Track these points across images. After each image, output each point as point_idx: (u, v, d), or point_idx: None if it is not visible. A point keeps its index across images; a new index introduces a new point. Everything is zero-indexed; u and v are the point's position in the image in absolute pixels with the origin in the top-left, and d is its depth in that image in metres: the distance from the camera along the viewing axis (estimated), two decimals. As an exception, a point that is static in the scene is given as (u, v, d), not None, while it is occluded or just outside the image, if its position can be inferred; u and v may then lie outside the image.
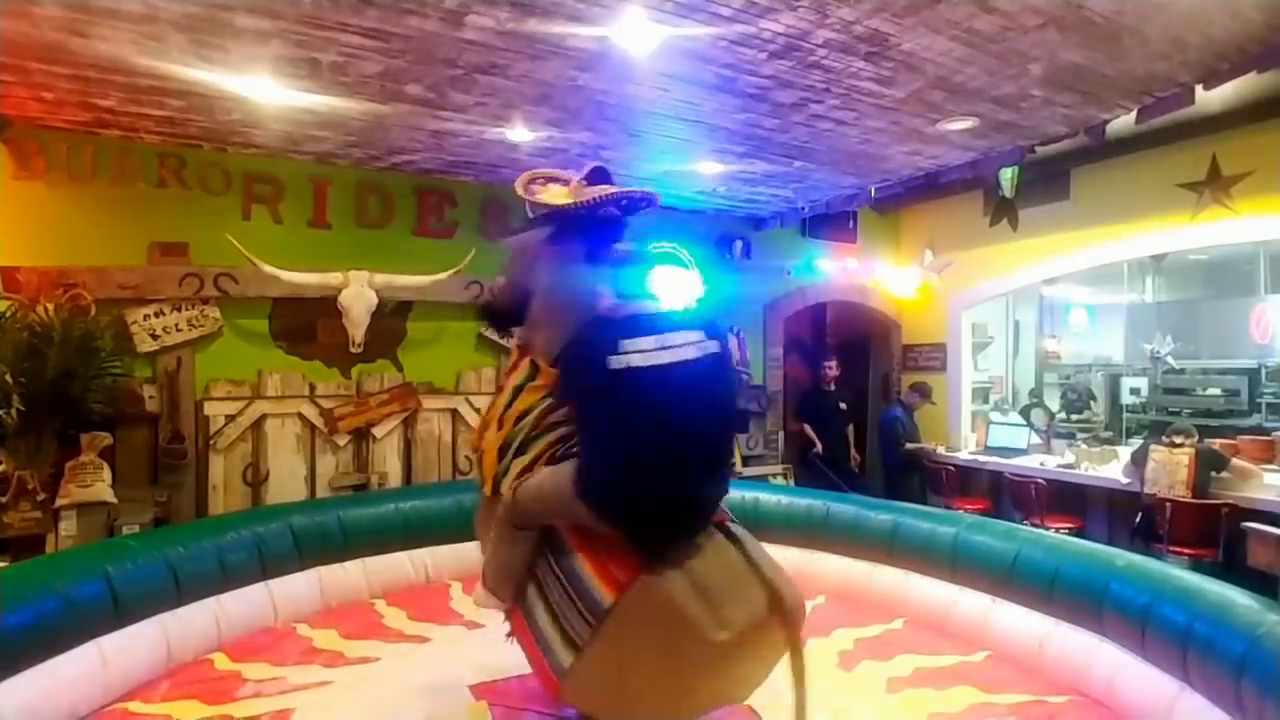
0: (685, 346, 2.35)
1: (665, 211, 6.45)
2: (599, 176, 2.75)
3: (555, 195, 2.75)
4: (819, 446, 7.07)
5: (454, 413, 5.61)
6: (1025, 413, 7.31)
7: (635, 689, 2.37)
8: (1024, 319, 8.70)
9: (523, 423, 2.61)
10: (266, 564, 3.99)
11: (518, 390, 2.68)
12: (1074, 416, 8.42)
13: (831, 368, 7.30)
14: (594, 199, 2.61)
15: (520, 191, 2.85)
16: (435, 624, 4.08)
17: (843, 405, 7.36)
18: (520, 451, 2.59)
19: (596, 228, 2.74)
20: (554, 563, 2.49)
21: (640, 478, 2.22)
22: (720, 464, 2.50)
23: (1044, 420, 7.20)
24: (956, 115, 4.18)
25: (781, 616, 2.38)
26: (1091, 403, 8.58)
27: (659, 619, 2.27)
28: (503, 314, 3.09)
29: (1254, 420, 7.12)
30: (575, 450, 2.45)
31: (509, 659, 3.57)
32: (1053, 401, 8.92)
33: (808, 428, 7.18)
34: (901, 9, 2.99)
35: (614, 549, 2.37)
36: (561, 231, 2.75)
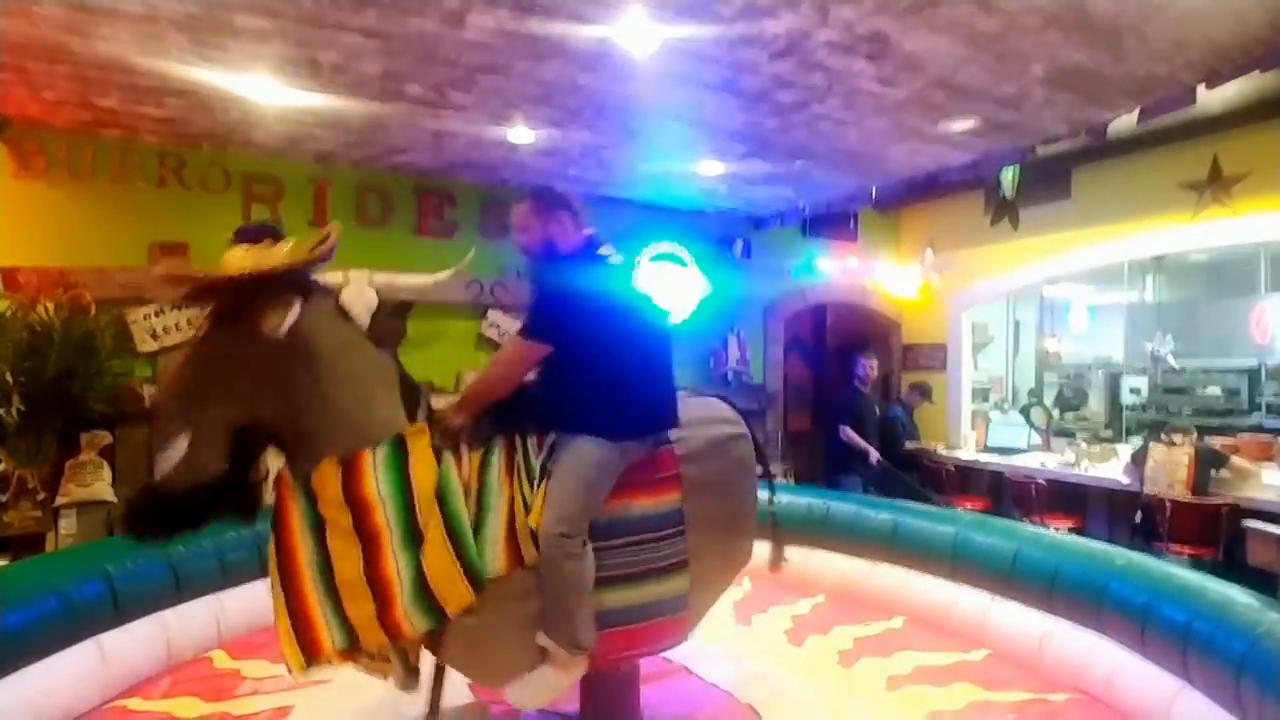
0: None
1: (665, 211, 6.47)
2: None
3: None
4: (874, 454, 6.30)
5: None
6: (1025, 411, 7.31)
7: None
8: (1024, 319, 8.71)
9: (455, 498, 2.20)
10: (266, 562, 3.98)
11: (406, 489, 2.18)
12: (1068, 414, 8.45)
13: (872, 366, 6.54)
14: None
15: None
16: (435, 623, 4.07)
17: (877, 408, 6.76)
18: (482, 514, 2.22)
19: None
20: None
21: None
22: None
23: (1043, 419, 7.20)
24: (957, 115, 4.18)
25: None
26: (1087, 401, 8.59)
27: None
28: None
29: (1254, 419, 7.13)
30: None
31: (509, 658, 3.57)
32: (1051, 400, 8.95)
33: (851, 433, 6.36)
34: (903, 9, 2.99)
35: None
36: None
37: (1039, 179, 6.35)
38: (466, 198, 5.71)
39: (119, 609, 3.22)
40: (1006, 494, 6.07)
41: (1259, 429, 6.17)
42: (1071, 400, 8.83)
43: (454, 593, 2.10)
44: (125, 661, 3.22)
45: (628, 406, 2.37)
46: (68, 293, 4.26)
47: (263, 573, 3.97)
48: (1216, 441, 5.19)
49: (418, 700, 3.20)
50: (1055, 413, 8.48)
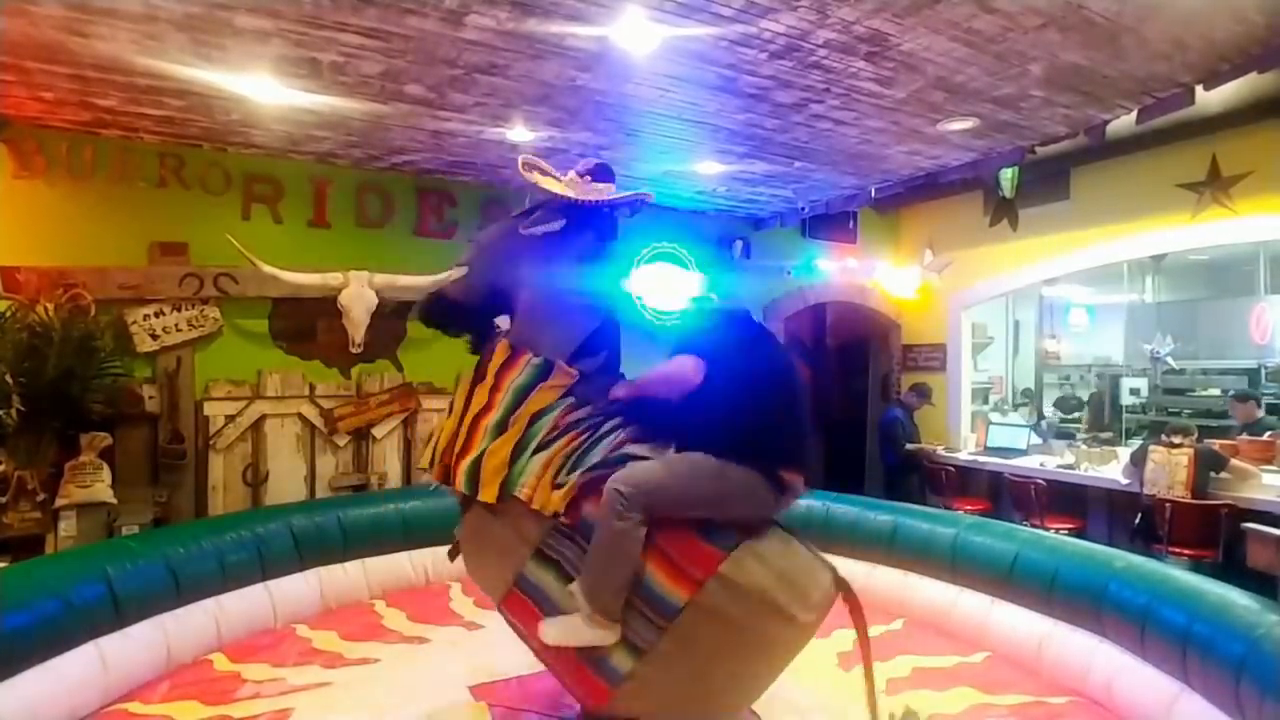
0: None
1: (665, 211, 6.46)
2: (603, 174, 2.73)
3: (555, 186, 2.72)
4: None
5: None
6: (1018, 407, 7.36)
7: (717, 683, 2.41)
8: (1024, 319, 8.70)
9: (539, 423, 2.60)
10: (266, 565, 3.99)
11: (523, 390, 2.65)
12: (1064, 417, 8.46)
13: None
14: (605, 199, 2.63)
15: (525, 174, 2.76)
16: (435, 625, 4.08)
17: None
18: (540, 450, 2.57)
19: (599, 225, 2.73)
20: None
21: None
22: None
23: (1032, 416, 7.22)
24: (956, 115, 4.18)
25: (847, 593, 2.54)
26: (1085, 405, 8.57)
27: (749, 608, 2.36)
28: (461, 312, 2.97)
29: (1270, 421, 7.11)
30: (593, 447, 2.56)
31: (508, 660, 3.58)
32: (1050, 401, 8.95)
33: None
34: (902, 9, 2.99)
35: (679, 549, 2.40)
36: (567, 227, 2.71)
37: (1038, 179, 6.35)
38: (466, 198, 5.70)
39: (119, 611, 3.22)
40: (1006, 495, 6.06)
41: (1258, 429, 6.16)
42: (1069, 401, 8.82)
43: (489, 485, 2.56)
44: (125, 664, 3.22)
45: (756, 435, 2.51)
46: (68, 293, 4.25)
47: (263, 575, 4.00)
48: (1216, 443, 5.18)
49: (418, 701, 3.20)
50: (1054, 415, 8.50)
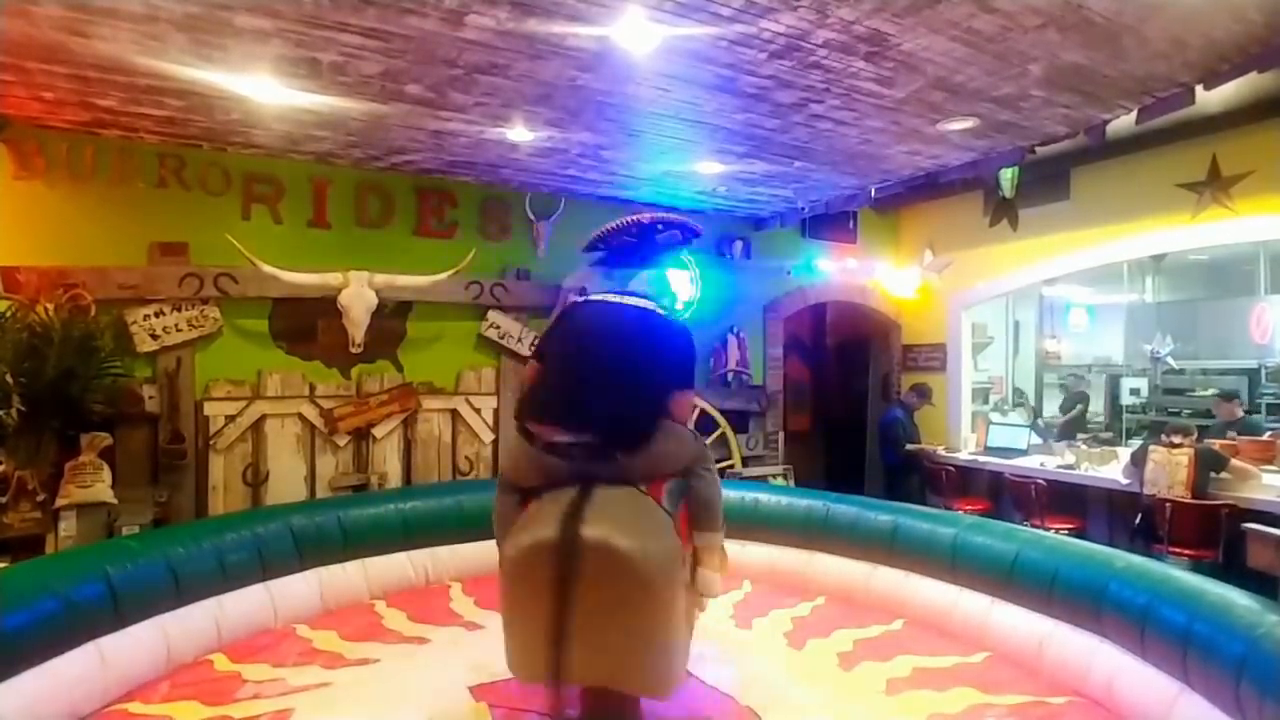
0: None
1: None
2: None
3: None
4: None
5: (454, 413, 5.61)
6: (1017, 406, 7.36)
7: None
8: (1024, 319, 8.71)
9: None
10: (266, 565, 3.99)
11: None
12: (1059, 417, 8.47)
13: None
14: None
15: None
16: (435, 625, 4.08)
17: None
18: None
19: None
20: None
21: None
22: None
23: (1026, 416, 7.21)
24: (956, 115, 4.18)
25: (558, 549, 2.33)
26: (1079, 405, 8.55)
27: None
28: None
29: (1254, 420, 7.12)
30: None
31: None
32: (1051, 401, 8.93)
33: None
34: (901, 9, 2.99)
35: None
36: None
37: (1038, 179, 6.35)
38: (466, 198, 5.70)
39: (119, 611, 3.22)
40: (1006, 496, 6.07)
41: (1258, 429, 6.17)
42: (1066, 402, 8.79)
43: None
44: (125, 664, 3.21)
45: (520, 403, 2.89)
46: (68, 293, 4.25)
47: (263, 575, 3.99)
48: (1216, 443, 5.19)
49: (418, 702, 3.20)
50: (1058, 415, 8.49)
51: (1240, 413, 6.28)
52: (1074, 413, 8.33)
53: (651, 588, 2.34)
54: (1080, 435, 7.27)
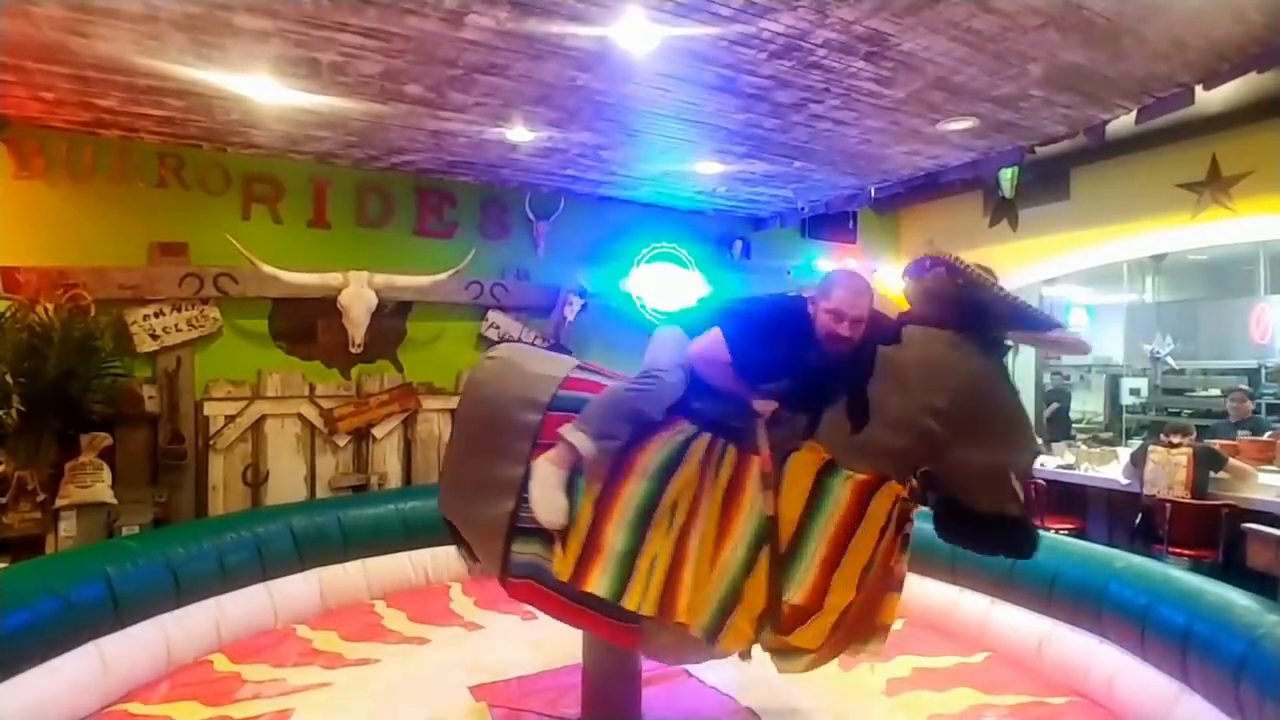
0: None
1: (665, 211, 6.47)
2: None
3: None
4: None
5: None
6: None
7: None
8: (1024, 319, 8.68)
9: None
10: (266, 565, 3.99)
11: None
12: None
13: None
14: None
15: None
16: (435, 625, 4.08)
17: None
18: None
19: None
20: None
21: None
22: None
23: None
24: (956, 115, 4.17)
25: None
26: (1054, 404, 8.48)
27: None
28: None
29: (1263, 419, 7.12)
30: None
31: (508, 660, 3.59)
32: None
33: None
34: (901, 9, 2.99)
35: None
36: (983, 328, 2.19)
37: (1038, 179, 6.35)
38: (466, 198, 5.70)
39: (119, 612, 3.22)
40: (1006, 495, 6.05)
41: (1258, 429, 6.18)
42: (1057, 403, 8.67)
43: None
44: (125, 665, 3.22)
45: None
46: (68, 293, 4.25)
47: (263, 576, 3.99)
48: (1216, 443, 5.18)
49: (418, 702, 3.20)
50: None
51: (1252, 409, 6.34)
52: (1051, 410, 8.27)
53: None
54: (1063, 437, 7.21)
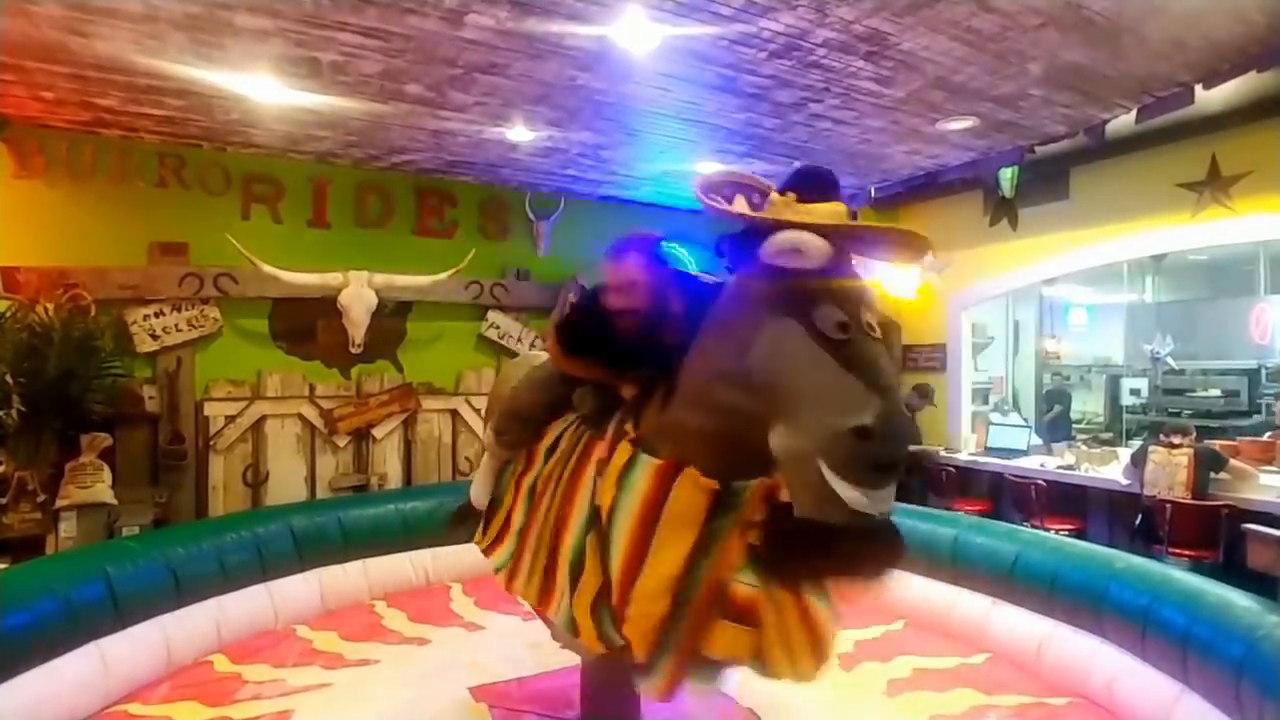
0: None
1: (665, 211, 6.46)
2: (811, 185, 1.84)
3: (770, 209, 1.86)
4: None
5: (454, 413, 5.61)
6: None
7: None
8: (1024, 319, 8.69)
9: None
10: (266, 565, 3.99)
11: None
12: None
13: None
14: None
15: (705, 199, 1.98)
16: (435, 626, 4.08)
17: None
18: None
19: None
20: None
21: None
22: None
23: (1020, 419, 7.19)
24: (956, 115, 4.18)
25: None
26: (1057, 406, 8.46)
27: None
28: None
29: (1254, 421, 7.13)
30: None
31: (508, 660, 3.59)
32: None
33: None
34: (901, 8, 2.99)
35: None
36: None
37: (1037, 179, 6.34)
38: (466, 198, 5.70)
39: (119, 612, 3.22)
40: (1007, 496, 6.06)
41: (1258, 430, 6.18)
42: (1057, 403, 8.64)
43: None
44: (125, 665, 3.21)
45: None
46: (68, 293, 4.25)
47: (263, 576, 3.99)
48: (1216, 443, 5.18)
49: (418, 702, 3.20)
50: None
51: None
52: (1053, 414, 8.28)
53: None
54: (1064, 438, 7.21)
